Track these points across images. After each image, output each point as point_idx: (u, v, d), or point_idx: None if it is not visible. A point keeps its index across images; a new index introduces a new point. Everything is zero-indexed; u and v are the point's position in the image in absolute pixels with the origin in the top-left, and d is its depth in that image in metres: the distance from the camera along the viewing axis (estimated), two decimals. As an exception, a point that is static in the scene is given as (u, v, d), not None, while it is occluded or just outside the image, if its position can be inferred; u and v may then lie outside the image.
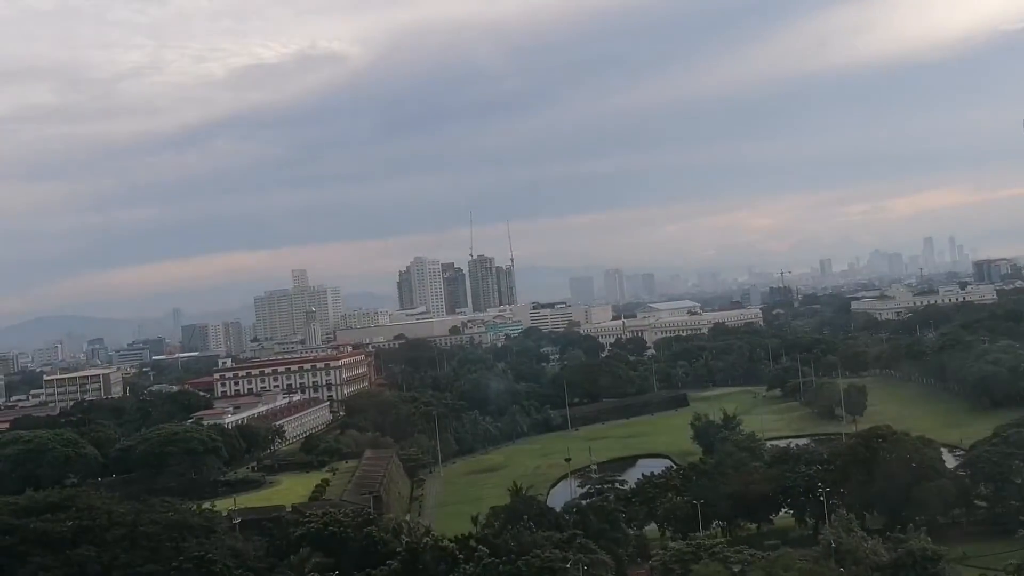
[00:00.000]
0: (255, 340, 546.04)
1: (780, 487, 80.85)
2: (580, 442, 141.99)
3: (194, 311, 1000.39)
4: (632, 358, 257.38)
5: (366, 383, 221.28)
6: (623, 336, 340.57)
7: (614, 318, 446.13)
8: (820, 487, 76.87)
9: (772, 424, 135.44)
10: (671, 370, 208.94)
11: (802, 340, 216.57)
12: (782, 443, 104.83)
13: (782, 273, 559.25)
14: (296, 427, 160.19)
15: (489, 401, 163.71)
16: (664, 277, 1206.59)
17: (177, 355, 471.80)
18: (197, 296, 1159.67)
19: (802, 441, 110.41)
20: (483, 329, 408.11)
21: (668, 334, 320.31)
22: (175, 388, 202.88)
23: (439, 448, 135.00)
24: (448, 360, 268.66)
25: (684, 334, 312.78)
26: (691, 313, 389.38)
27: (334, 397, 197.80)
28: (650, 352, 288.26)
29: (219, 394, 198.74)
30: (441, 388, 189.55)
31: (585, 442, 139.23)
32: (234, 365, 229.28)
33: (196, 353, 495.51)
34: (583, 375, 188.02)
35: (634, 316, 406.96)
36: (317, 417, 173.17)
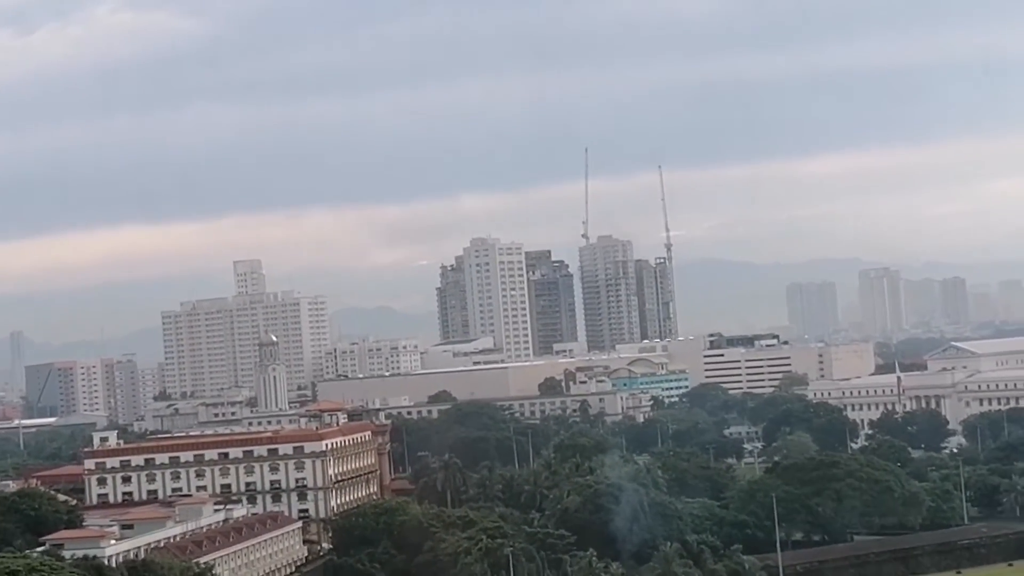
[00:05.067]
0: (162, 396, 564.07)
1: None
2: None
3: (50, 338, 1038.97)
4: (918, 453, 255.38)
5: (374, 487, 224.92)
6: (898, 406, 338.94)
7: (879, 369, 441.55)
8: None
9: None
10: (1000, 480, 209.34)
11: None
12: None
13: None
14: (239, 569, 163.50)
15: (619, 532, 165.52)
16: (983, 284, 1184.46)
17: (16, 422, 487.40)
18: (55, 310, 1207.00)
19: None
20: (608, 385, 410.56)
21: (994, 404, 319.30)
22: (11, 486, 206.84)
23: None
24: (537, 445, 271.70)
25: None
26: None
27: (313, 512, 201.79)
28: (956, 441, 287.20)
29: (94, 499, 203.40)
30: (523, 503, 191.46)
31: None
32: (122, 445, 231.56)
33: (51, 420, 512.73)
34: (811, 487, 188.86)
35: (922, 366, 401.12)
36: (280, 551, 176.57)
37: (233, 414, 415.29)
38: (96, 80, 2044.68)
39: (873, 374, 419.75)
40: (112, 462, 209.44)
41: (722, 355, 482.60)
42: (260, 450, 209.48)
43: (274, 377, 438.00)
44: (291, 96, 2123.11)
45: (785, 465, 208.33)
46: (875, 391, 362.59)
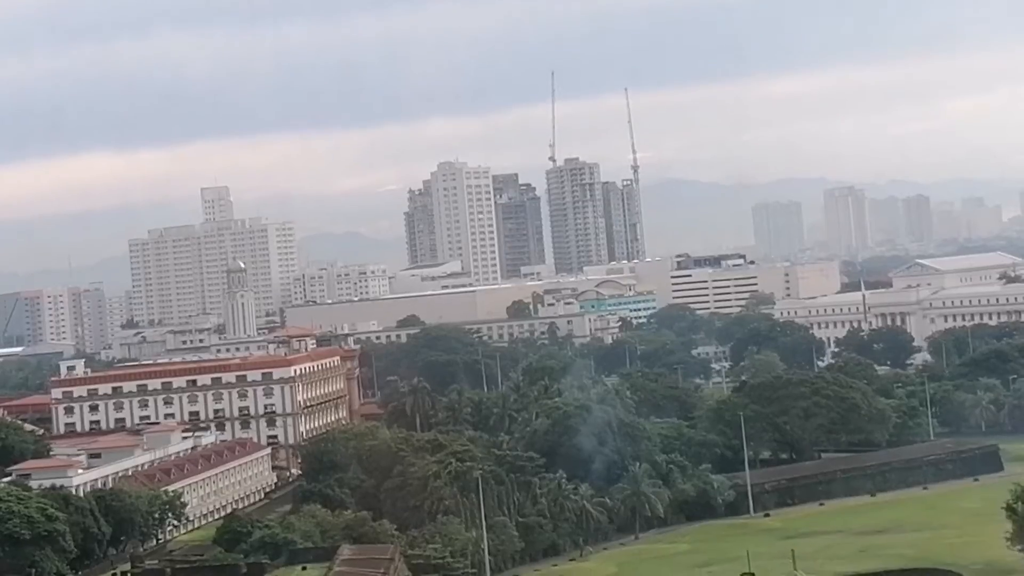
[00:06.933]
0: (130, 324, 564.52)
1: None
2: (773, 542, 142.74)
3: (16, 267, 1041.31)
4: (883, 370, 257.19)
5: (343, 412, 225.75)
6: (864, 324, 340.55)
7: (844, 287, 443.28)
8: None
9: None
10: (965, 396, 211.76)
11: None
12: None
13: None
14: (208, 496, 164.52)
15: (587, 454, 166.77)
16: (947, 202, 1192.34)
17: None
18: (21, 239, 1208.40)
19: None
20: (576, 307, 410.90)
21: (959, 320, 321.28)
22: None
23: (487, 545, 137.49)
24: (505, 368, 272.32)
25: (994, 321, 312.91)
26: (1009, 279, 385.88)
27: (282, 438, 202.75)
28: (921, 358, 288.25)
29: (61, 429, 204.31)
30: (492, 426, 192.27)
31: (783, 541, 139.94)
32: (90, 374, 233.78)
33: (18, 349, 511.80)
34: (779, 405, 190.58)
35: (887, 284, 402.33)
36: (249, 477, 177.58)
37: (201, 341, 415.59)
38: (59, 8, 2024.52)
39: (839, 292, 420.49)
40: (79, 391, 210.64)
41: (689, 276, 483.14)
42: (228, 377, 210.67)
43: (242, 303, 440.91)
44: (255, 22, 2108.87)
45: (752, 384, 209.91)
46: (841, 309, 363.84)
